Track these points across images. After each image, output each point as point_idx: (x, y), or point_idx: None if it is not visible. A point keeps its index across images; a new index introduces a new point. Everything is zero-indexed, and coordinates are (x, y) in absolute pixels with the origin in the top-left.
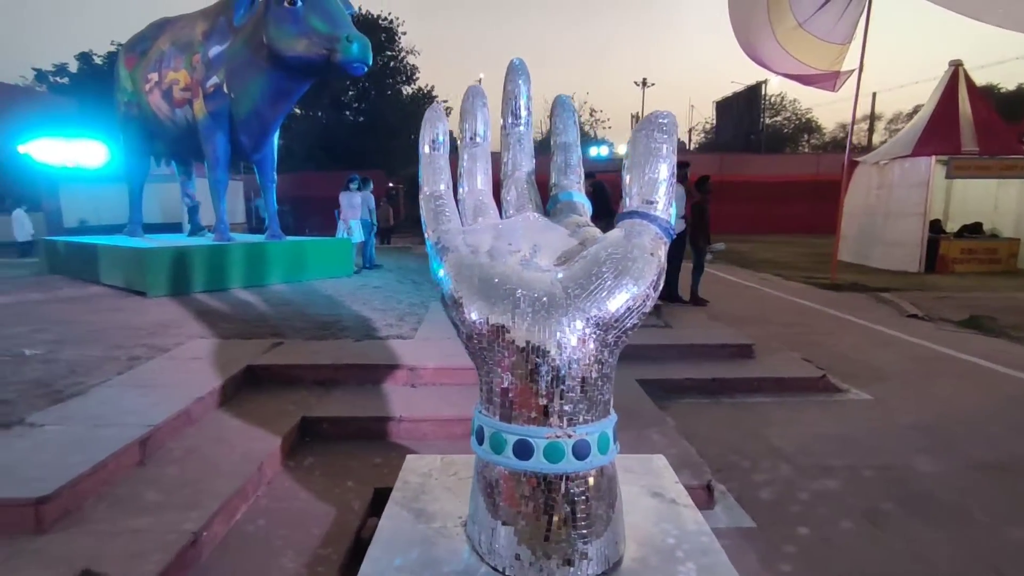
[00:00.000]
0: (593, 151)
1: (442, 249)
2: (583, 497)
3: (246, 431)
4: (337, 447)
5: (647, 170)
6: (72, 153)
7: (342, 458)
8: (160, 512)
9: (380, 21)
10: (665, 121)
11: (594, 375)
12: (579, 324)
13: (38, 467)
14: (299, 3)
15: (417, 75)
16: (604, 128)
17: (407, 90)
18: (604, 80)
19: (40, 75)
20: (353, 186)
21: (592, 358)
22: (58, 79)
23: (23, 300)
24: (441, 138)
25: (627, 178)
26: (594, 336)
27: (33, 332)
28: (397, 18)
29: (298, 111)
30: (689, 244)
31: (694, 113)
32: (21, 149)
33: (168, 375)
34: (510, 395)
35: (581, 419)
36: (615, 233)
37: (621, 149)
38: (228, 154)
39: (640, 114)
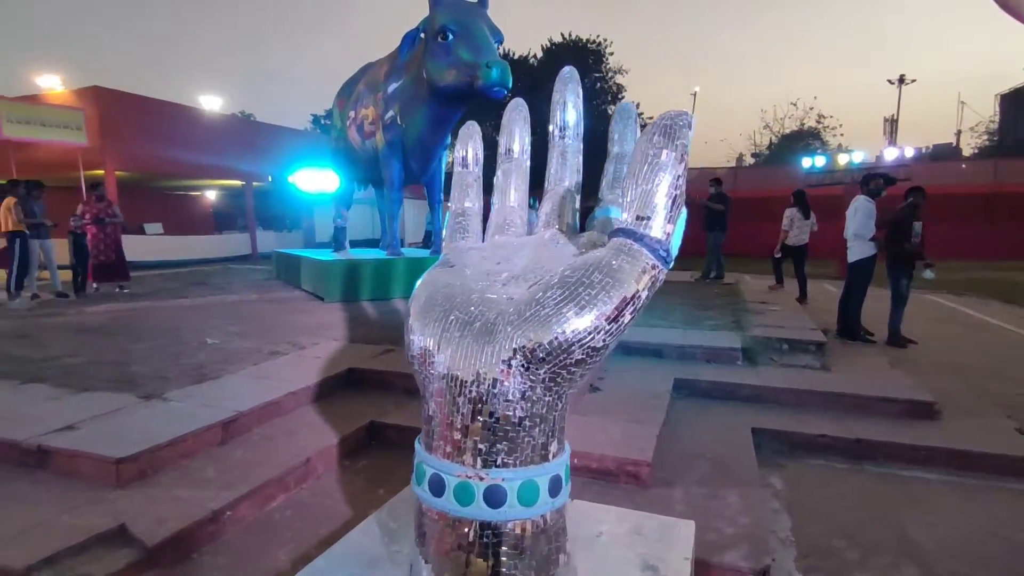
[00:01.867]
0: (817, 161)
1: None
2: (501, 552)
3: (318, 427)
4: (395, 454)
5: (641, 180)
6: (320, 181)
7: (393, 465)
8: (205, 487)
9: (588, 44)
10: (670, 123)
11: (519, 414)
12: (504, 354)
13: (140, 433)
14: (450, 37)
15: (623, 94)
16: (833, 135)
17: (612, 110)
18: (852, 80)
19: (315, 119)
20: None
21: (517, 394)
22: (326, 120)
23: (242, 299)
24: (472, 156)
25: (624, 190)
26: (521, 369)
27: (227, 324)
28: (605, 40)
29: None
30: (887, 270)
31: (964, 111)
32: (290, 179)
33: (286, 370)
34: (432, 424)
35: (499, 461)
36: (595, 253)
37: (857, 157)
38: (402, 178)
39: (896, 116)
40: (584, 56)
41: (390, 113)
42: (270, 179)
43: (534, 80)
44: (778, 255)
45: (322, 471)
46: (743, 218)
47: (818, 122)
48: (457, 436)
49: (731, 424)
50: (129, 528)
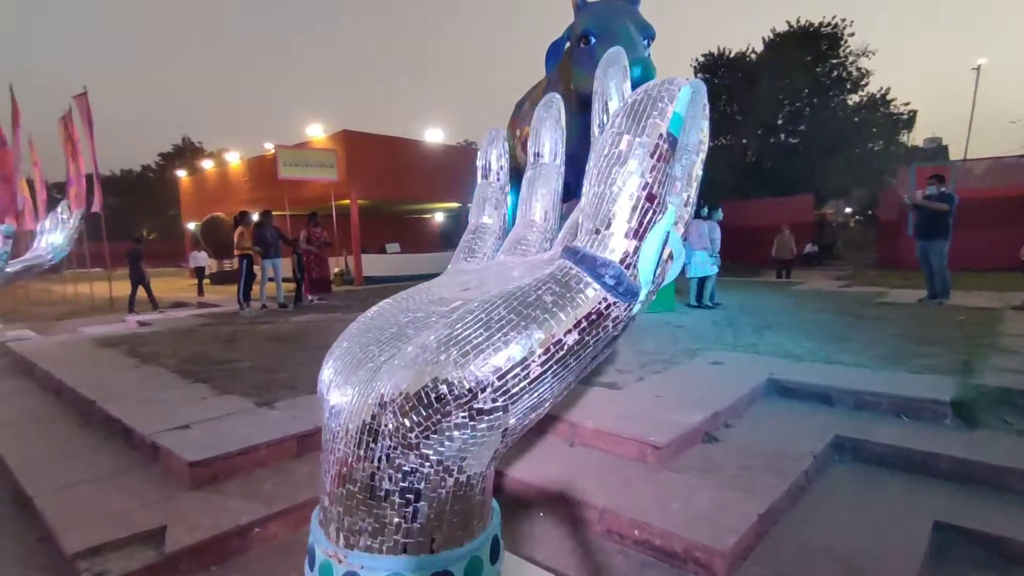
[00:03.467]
0: None
1: None
2: None
3: None
4: None
5: (596, 179)
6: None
7: None
8: (252, 499)
9: (821, 28)
10: (642, 99)
11: (383, 485)
12: (369, 401)
13: (230, 438)
14: (592, 40)
15: (867, 80)
16: None
17: (853, 99)
18: None
19: None
20: (704, 212)
21: (378, 455)
22: None
23: None
24: (493, 165)
25: (583, 192)
26: (386, 423)
27: None
28: (843, 20)
29: (723, 141)
30: None
31: None
32: None
33: None
34: (320, 479)
35: (361, 543)
36: (525, 281)
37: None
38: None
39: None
40: (815, 43)
41: None
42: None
43: (751, 78)
44: None
45: None
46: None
47: None
48: (325, 501)
49: (903, 511)
50: (167, 531)
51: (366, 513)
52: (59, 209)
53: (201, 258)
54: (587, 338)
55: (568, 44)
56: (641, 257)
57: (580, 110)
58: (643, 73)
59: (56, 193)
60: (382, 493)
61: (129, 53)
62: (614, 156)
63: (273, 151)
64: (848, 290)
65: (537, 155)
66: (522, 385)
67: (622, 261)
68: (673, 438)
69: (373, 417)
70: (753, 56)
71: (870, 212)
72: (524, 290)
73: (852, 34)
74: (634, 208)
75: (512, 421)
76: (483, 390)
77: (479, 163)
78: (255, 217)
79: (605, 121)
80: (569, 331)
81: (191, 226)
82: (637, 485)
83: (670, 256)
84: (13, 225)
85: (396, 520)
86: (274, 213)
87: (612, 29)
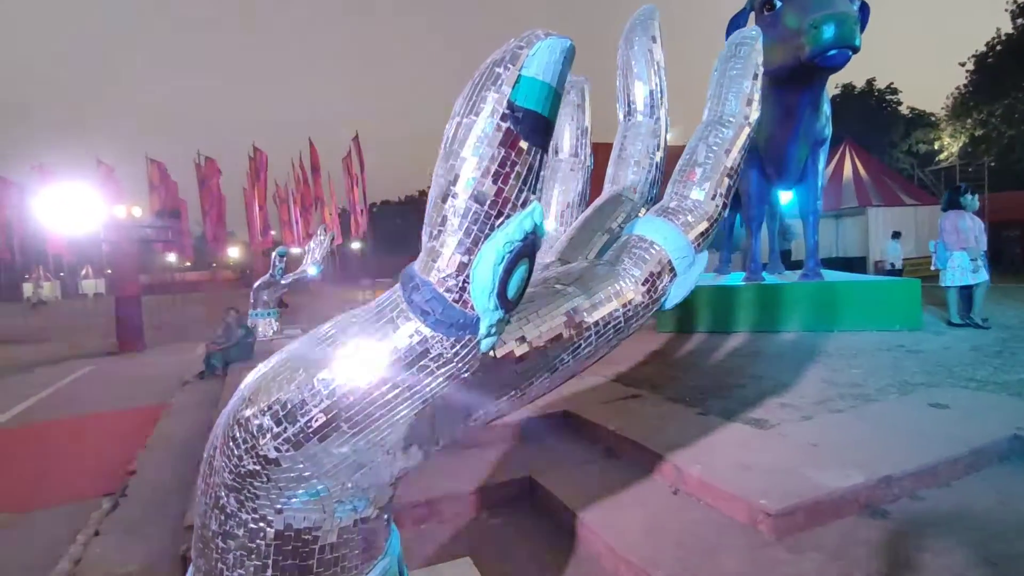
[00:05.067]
0: None
1: None
2: None
3: (469, 469)
4: (526, 520)
5: (435, 182)
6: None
7: (512, 529)
8: None
9: None
10: (482, 68)
11: (214, 526)
12: (215, 441)
13: None
14: (778, 4)
15: None
16: None
17: None
18: None
19: None
20: (965, 200)
21: (213, 497)
22: None
23: None
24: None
25: None
26: (222, 458)
27: None
28: None
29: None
30: None
31: None
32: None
33: None
34: None
35: None
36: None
37: None
38: (761, 188)
39: None
40: None
41: None
42: None
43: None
44: None
45: (449, 516)
46: None
47: None
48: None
49: None
50: None
51: (200, 553)
52: (319, 232)
53: None
54: (433, 381)
55: (752, 13)
56: (474, 278)
57: (770, 87)
58: (836, 33)
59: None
60: (211, 535)
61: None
62: (446, 149)
63: None
64: None
65: (556, 151)
66: (294, 438)
67: (454, 282)
68: (798, 504)
69: (217, 450)
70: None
71: None
72: (339, 323)
73: None
74: (463, 214)
75: (314, 474)
76: (264, 436)
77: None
78: None
79: (633, 102)
80: (388, 376)
81: None
82: (722, 560)
83: (528, 276)
84: (286, 248)
85: (219, 567)
86: None
87: None
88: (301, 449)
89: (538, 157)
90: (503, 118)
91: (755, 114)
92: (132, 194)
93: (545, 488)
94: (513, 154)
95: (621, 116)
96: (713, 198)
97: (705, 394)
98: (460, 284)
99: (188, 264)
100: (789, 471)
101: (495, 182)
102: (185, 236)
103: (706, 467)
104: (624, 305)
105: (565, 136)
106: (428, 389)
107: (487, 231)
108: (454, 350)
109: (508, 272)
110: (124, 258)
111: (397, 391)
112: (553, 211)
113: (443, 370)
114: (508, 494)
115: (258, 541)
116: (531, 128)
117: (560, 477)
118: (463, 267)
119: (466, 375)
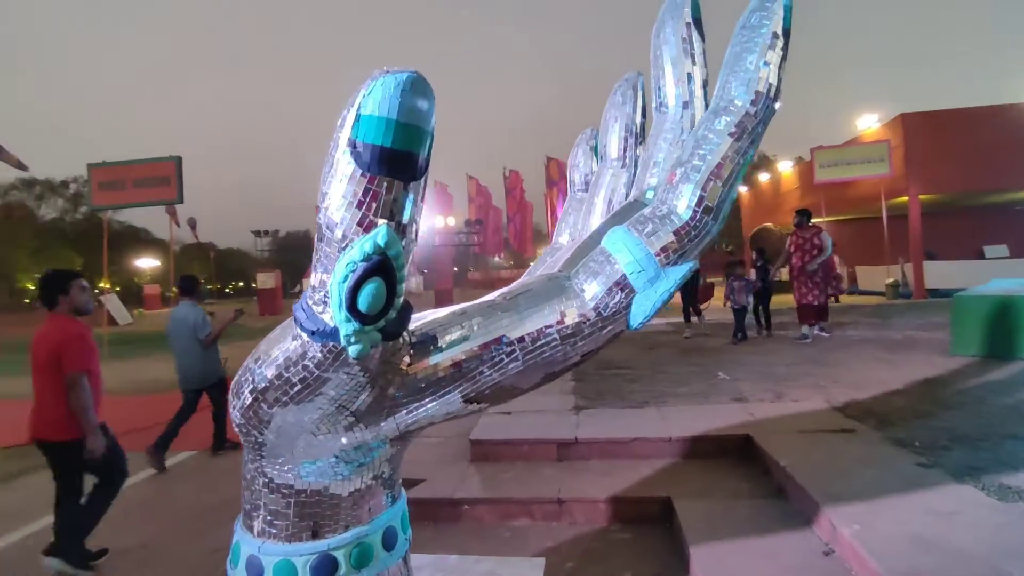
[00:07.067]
0: None
1: None
2: None
3: (624, 480)
4: (657, 542)
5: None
6: None
7: (638, 547)
8: (474, 482)
9: None
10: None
11: (249, 473)
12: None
13: (505, 430)
14: None
15: None
16: None
17: None
18: None
19: None
20: None
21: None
22: None
23: (872, 336)
24: (579, 177)
25: None
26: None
27: (773, 362)
28: None
29: None
30: None
31: None
32: None
33: (707, 415)
34: None
35: (262, 530)
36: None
37: None
38: None
39: None
40: None
41: None
42: None
43: None
44: None
45: (580, 520)
46: None
47: None
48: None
49: None
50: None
51: (254, 499)
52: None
53: None
54: (289, 376)
55: None
56: (330, 294)
57: None
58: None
59: None
60: (249, 479)
61: None
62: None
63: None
64: None
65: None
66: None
67: (319, 296)
68: None
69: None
70: None
71: None
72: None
73: None
74: (320, 238)
75: (271, 438)
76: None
77: (570, 175)
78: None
79: (663, 99)
80: (272, 377)
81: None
82: None
83: (398, 292)
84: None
85: (280, 506)
86: (814, 220)
87: None
88: (248, 418)
89: (391, 185)
90: (349, 154)
91: (764, 98)
92: (453, 205)
93: (678, 514)
94: (355, 185)
95: (654, 111)
96: (692, 206)
97: (952, 441)
98: (323, 298)
99: (511, 263)
100: (983, 561)
101: (346, 209)
102: (490, 240)
103: (867, 530)
104: (558, 323)
105: (612, 140)
106: (320, 384)
107: (337, 253)
108: (322, 354)
109: (354, 289)
110: (441, 259)
111: (295, 383)
112: (597, 216)
113: (322, 371)
114: (644, 511)
115: (255, 488)
116: (375, 160)
117: (698, 507)
118: (323, 284)
119: (361, 377)
